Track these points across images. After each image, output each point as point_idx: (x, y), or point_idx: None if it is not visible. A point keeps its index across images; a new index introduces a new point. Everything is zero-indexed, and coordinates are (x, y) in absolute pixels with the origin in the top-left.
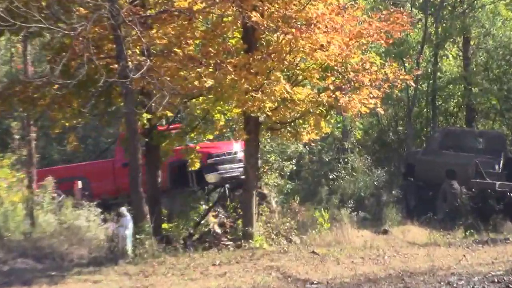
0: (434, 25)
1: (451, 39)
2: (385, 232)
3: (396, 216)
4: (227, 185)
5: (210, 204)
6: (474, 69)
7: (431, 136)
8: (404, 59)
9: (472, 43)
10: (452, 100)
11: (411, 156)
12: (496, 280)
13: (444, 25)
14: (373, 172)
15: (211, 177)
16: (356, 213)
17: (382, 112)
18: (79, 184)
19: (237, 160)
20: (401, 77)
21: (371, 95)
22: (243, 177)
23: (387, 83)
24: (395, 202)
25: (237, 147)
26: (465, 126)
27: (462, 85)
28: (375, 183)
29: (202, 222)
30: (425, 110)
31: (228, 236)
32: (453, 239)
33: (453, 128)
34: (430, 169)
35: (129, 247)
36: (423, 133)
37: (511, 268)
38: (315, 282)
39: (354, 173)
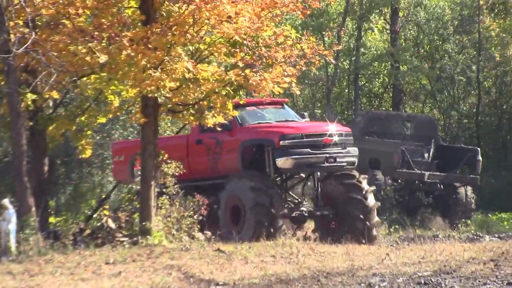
0: None
1: (377, 10)
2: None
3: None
4: (316, 174)
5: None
6: (403, 44)
7: (353, 120)
8: (324, 33)
9: (401, 14)
10: (377, 79)
11: None
12: (423, 281)
13: None
14: None
15: (283, 162)
16: None
17: (298, 93)
18: None
19: (328, 145)
20: (320, 52)
21: (285, 73)
22: (337, 164)
23: (304, 60)
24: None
25: (332, 129)
26: (391, 109)
27: (389, 62)
28: None
29: (94, 216)
30: (346, 90)
31: (124, 232)
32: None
33: (378, 112)
34: None
35: (12, 243)
36: (343, 117)
37: (440, 269)
38: (220, 283)
39: None
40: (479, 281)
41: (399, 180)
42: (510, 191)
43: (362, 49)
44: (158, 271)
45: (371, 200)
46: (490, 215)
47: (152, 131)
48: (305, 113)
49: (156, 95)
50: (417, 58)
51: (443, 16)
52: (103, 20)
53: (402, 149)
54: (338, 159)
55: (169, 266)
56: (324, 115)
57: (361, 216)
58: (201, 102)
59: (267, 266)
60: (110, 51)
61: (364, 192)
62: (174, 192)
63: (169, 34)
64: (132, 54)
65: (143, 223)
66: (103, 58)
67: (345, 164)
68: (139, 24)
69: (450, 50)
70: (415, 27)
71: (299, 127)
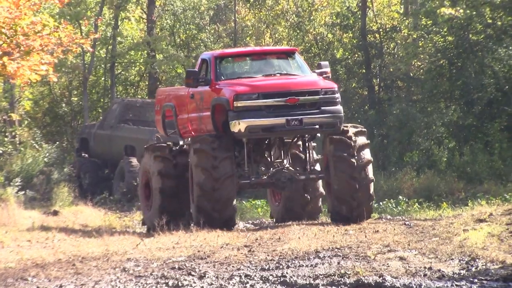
0: None
1: (134, 0)
2: (55, 213)
3: (68, 196)
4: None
5: None
6: (159, 33)
7: (109, 108)
8: (81, 22)
9: (157, 4)
10: (133, 68)
11: (86, 130)
12: (177, 266)
13: None
14: (43, 147)
15: (234, 126)
16: (23, 192)
17: (55, 80)
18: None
19: (293, 106)
20: (77, 41)
21: (43, 61)
22: (304, 128)
23: (61, 48)
24: (67, 181)
25: (301, 86)
26: (147, 97)
27: (145, 51)
28: (45, 159)
29: None
30: (102, 78)
31: None
32: (130, 221)
33: (133, 99)
34: (106, 145)
35: None
36: (100, 105)
37: (194, 254)
38: None
39: (22, 148)
40: (233, 266)
41: None
42: None
43: (118, 38)
44: None
45: (363, 158)
46: (244, 202)
47: None
48: (322, 63)
49: None
50: (173, 47)
51: (200, 6)
52: None
53: (157, 136)
54: (305, 121)
55: None
56: None
57: (349, 179)
58: None
59: (23, 251)
60: None
61: (352, 150)
62: None
63: None
64: None
65: None
66: None
67: (316, 126)
68: None
69: (206, 39)
70: (171, 16)
71: (257, 86)
